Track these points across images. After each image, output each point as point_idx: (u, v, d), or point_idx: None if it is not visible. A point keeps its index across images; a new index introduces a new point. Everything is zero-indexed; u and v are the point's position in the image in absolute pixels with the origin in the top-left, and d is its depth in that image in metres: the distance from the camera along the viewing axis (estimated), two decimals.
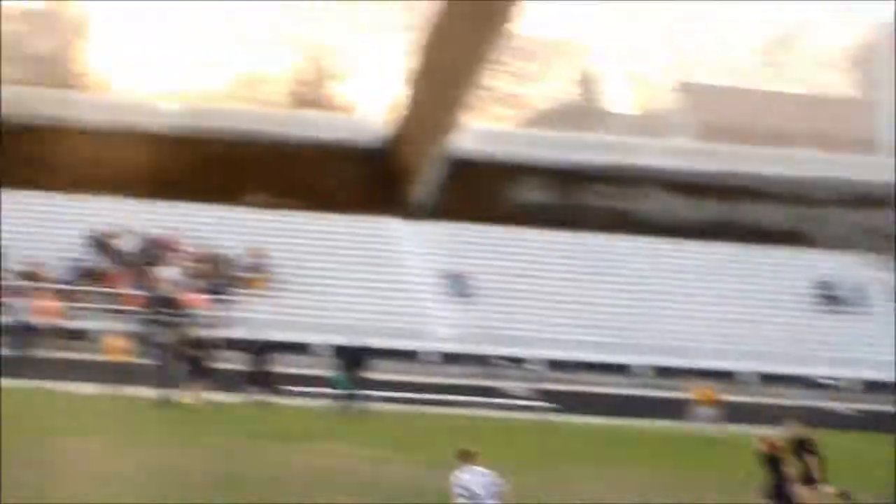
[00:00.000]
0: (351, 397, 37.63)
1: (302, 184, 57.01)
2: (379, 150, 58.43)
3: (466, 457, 17.90)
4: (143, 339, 40.11)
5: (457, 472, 17.70)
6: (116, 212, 52.75)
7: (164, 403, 35.60)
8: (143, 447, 27.90)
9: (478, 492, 17.57)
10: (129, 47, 65.82)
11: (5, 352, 43.00)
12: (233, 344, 43.97)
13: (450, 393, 42.01)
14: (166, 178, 53.97)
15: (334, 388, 38.10)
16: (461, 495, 17.62)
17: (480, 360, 48.75)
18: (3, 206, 50.10)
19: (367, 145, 58.61)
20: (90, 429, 29.82)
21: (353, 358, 38.99)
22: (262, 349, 39.60)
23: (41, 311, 45.70)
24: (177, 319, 46.91)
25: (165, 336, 43.28)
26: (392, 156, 58.11)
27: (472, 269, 54.36)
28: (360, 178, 57.88)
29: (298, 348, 46.26)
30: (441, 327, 50.81)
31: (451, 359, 49.12)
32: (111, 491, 22.26)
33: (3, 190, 50.80)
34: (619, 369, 50.27)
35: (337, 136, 58.37)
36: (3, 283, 47.36)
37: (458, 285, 53.86)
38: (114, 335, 40.49)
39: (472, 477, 17.67)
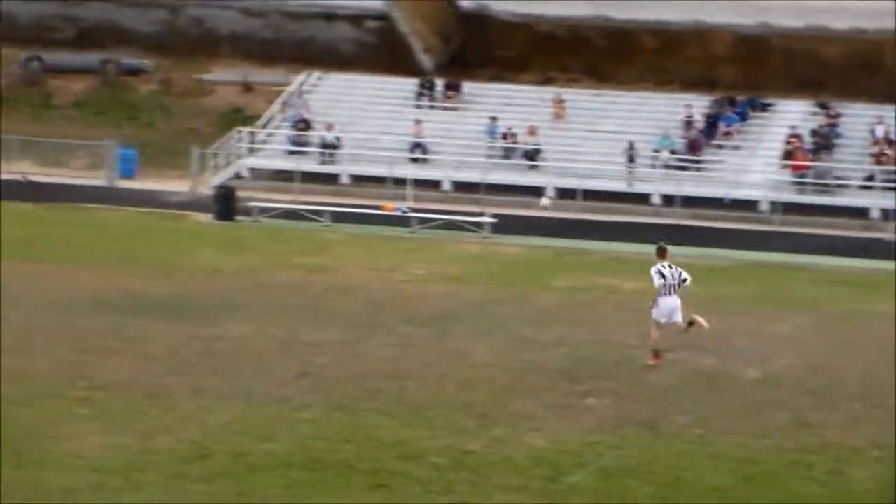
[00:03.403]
0: None
1: None
2: None
3: (662, 253, 26.08)
4: None
5: (656, 265, 25.72)
6: None
7: None
8: None
9: (668, 279, 25.48)
10: None
11: None
12: None
13: None
14: None
15: None
16: (657, 279, 25.50)
17: None
18: None
19: None
20: None
21: None
22: None
23: None
24: None
25: None
26: None
27: None
28: None
29: None
30: None
31: None
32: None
33: None
34: None
35: None
36: None
37: None
38: None
39: (664, 269, 25.65)
